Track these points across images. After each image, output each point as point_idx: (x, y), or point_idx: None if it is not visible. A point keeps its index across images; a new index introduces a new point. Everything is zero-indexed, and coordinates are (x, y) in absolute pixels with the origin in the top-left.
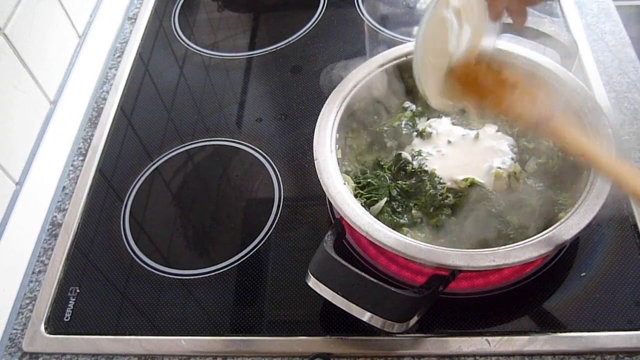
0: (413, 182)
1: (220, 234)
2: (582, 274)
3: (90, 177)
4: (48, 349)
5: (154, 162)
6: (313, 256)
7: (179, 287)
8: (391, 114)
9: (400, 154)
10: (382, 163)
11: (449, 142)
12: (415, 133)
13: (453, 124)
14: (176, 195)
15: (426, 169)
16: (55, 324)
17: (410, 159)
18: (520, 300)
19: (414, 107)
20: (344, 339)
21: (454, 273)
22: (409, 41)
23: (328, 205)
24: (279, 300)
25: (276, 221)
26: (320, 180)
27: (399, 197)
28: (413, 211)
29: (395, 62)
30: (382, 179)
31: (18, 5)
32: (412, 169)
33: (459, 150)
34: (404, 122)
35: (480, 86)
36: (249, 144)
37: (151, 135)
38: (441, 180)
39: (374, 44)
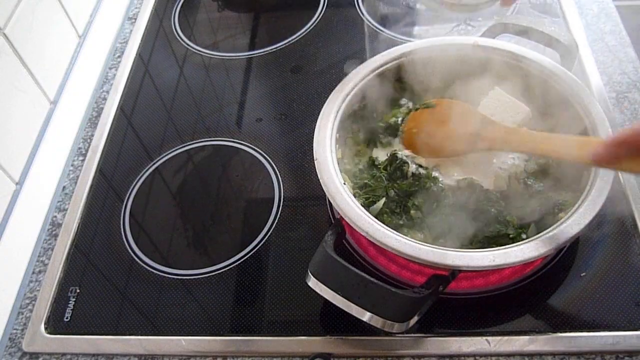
0: (411, 182)
1: (220, 234)
2: (582, 274)
3: (90, 177)
4: (48, 349)
5: (154, 162)
6: (313, 256)
7: (179, 287)
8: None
9: (396, 154)
10: (376, 162)
11: None
12: None
13: None
14: (176, 195)
15: (425, 169)
16: (55, 324)
17: (405, 158)
18: (520, 300)
19: (410, 104)
20: (344, 339)
21: (454, 273)
22: (409, 41)
23: (328, 205)
24: (279, 300)
25: (276, 221)
26: (320, 180)
27: (397, 197)
28: (412, 211)
29: (395, 62)
30: (379, 179)
31: (18, 5)
32: (409, 169)
33: None
34: (400, 119)
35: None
36: (249, 144)
37: (151, 135)
38: (441, 180)
39: (374, 44)
